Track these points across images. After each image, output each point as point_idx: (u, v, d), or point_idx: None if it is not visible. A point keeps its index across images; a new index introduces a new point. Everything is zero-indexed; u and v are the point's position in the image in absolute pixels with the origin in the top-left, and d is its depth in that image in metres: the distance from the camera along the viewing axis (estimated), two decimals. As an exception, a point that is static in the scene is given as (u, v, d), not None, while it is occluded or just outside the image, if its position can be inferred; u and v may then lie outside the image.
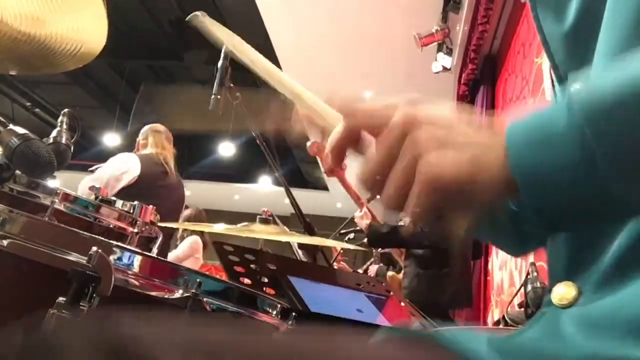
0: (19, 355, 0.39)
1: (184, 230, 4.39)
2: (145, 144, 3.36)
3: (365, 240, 3.00)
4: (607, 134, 0.40)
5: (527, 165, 0.43)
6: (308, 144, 2.33)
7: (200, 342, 0.40)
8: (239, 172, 11.19)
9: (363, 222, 2.58)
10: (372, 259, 4.38)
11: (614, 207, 0.43)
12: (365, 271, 4.21)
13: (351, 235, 3.61)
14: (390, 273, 3.86)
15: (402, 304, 1.50)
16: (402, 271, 3.01)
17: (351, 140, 0.51)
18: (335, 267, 3.57)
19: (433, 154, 0.43)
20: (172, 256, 4.17)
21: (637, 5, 0.47)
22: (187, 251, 4.32)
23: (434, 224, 0.47)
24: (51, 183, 1.11)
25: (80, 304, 0.68)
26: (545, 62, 3.13)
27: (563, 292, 0.51)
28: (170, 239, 3.58)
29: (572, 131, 0.41)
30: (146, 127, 3.48)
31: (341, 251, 3.83)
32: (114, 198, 1.28)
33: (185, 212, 4.37)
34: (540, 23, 0.62)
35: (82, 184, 2.77)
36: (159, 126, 3.48)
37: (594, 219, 0.46)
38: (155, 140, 3.38)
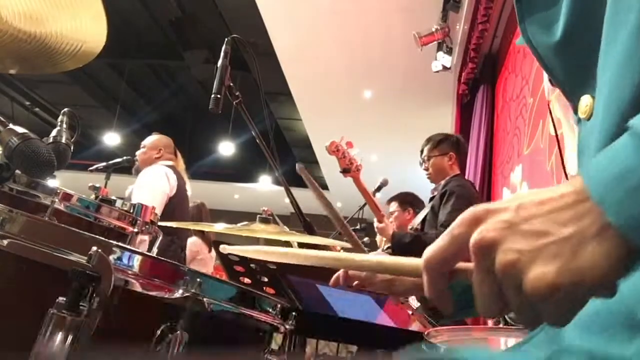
0: None
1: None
2: (171, 158, 3.43)
3: (366, 237, 3.00)
4: None
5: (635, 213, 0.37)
6: (327, 143, 2.37)
7: None
8: (239, 171, 11.19)
9: (386, 233, 2.60)
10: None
11: None
12: None
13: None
14: None
15: (402, 303, 1.50)
16: None
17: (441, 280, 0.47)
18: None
19: (529, 273, 0.39)
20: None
21: None
22: (188, 255, 4.30)
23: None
24: (51, 183, 1.11)
25: (80, 304, 0.68)
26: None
27: None
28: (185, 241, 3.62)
29: None
30: (168, 140, 3.51)
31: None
32: (114, 197, 1.28)
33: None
34: (530, 37, 0.62)
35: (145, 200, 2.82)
36: (170, 139, 3.55)
37: None
38: (179, 157, 3.49)
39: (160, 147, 3.44)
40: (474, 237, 0.42)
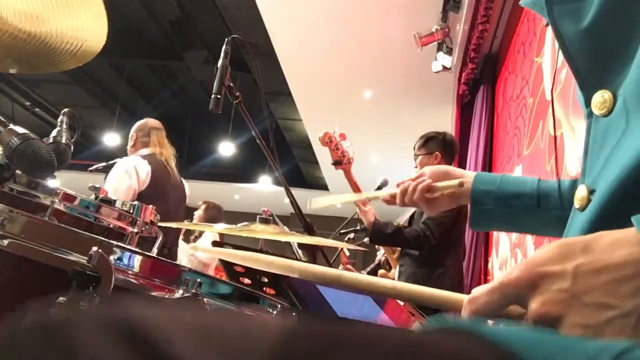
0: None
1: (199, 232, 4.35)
2: (147, 142, 3.23)
3: (366, 238, 2.99)
4: None
5: None
6: (320, 134, 2.35)
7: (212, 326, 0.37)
8: (239, 172, 11.19)
9: (368, 218, 2.57)
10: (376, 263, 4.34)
11: None
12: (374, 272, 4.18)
13: (351, 235, 3.60)
14: (381, 271, 3.86)
15: (402, 303, 1.50)
16: (397, 270, 3.02)
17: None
18: (342, 269, 3.57)
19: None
20: (196, 262, 4.12)
21: None
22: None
23: None
24: (51, 183, 1.11)
25: (81, 304, 0.68)
26: (545, 62, 3.12)
27: None
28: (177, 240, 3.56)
29: None
30: (144, 123, 3.32)
31: (348, 254, 3.82)
32: (114, 198, 1.28)
33: (203, 212, 4.35)
34: (557, 23, 0.59)
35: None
36: (156, 122, 3.34)
37: None
38: (157, 139, 3.25)
39: (134, 133, 3.26)
40: (536, 307, 0.42)
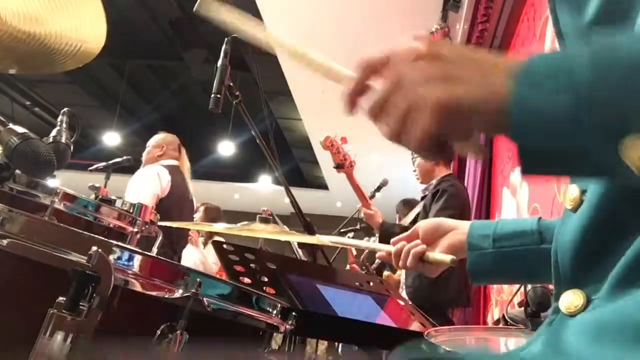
0: None
1: (209, 236, 4.35)
2: (174, 156, 3.39)
3: (366, 237, 2.99)
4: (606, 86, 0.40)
5: (526, 106, 0.42)
6: (321, 138, 2.37)
7: None
8: (239, 171, 11.19)
9: (375, 220, 2.59)
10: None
11: (590, 166, 0.43)
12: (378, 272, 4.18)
13: (351, 234, 3.61)
14: (386, 272, 3.86)
15: (402, 303, 1.50)
16: (403, 271, 3.02)
17: (363, 86, 0.57)
18: (348, 269, 3.58)
19: (438, 82, 0.46)
20: (199, 266, 4.13)
21: None
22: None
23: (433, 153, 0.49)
24: (51, 182, 1.11)
25: (80, 304, 0.68)
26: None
27: (571, 299, 0.50)
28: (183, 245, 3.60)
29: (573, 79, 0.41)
30: (171, 137, 3.49)
31: (355, 253, 3.83)
32: (113, 197, 1.28)
33: (202, 214, 4.36)
34: (557, 14, 0.57)
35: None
36: (174, 137, 3.52)
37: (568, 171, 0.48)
38: (183, 155, 3.44)
39: (163, 144, 3.41)
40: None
